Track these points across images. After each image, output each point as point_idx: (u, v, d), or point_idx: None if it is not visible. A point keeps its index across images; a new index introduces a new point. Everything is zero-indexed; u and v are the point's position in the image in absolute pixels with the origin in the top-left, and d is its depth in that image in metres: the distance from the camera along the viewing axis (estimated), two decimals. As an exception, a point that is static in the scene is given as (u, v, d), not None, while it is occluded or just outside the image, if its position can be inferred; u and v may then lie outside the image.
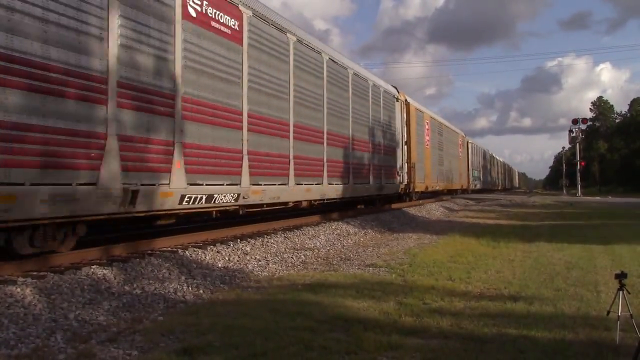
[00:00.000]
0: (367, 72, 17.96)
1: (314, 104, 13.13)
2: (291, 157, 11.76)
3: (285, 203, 11.85)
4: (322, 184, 13.43)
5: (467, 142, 41.49)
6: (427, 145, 25.60)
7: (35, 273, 6.13)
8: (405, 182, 21.35)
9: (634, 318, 4.59)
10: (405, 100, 21.88)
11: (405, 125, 21.52)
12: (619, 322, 4.52)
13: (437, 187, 28.27)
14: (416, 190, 22.91)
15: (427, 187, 25.14)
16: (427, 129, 25.78)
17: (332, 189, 14.15)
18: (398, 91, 21.37)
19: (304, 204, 12.98)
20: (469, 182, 41.25)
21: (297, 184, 12.01)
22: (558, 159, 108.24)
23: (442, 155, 29.73)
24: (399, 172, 20.50)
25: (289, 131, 11.68)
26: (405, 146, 21.42)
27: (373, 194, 17.74)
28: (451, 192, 35.81)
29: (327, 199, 14.10)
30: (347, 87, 15.50)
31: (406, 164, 21.46)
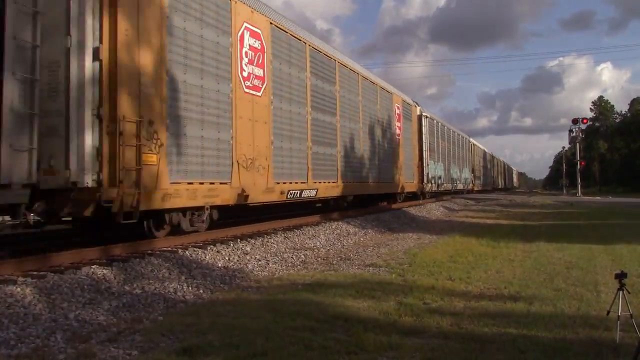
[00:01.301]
0: None
1: None
2: None
3: None
4: None
5: (422, 116, 25.75)
6: (260, 90, 10.97)
7: (35, 273, 6.14)
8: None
9: (634, 318, 4.58)
10: None
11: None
12: (619, 322, 4.52)
13: (297, 191, 12.54)
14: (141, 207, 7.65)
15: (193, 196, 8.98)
16: (261, 50, 11.05)
17: None
18: None
19: None
20: (421, 180, 25.17)
21: None
22: (558, 158, 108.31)
23: (331, 126, 14.84)
24: None
25: None
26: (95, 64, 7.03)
27: None
28: (370, 202, 19.83)
29: None
30: None
31: (99, 133, 7.10)
